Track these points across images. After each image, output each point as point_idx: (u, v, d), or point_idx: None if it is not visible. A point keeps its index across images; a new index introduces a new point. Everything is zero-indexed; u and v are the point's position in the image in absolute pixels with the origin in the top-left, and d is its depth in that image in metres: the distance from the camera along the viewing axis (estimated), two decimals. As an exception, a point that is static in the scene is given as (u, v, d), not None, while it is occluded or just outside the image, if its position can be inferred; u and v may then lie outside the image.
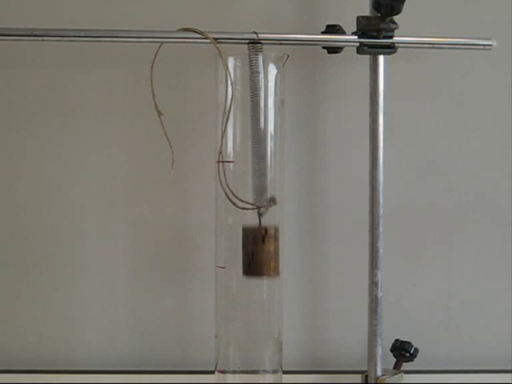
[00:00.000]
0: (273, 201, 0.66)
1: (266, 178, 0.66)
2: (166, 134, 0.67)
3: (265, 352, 0.70)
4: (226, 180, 0.65)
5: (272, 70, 0.68)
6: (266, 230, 0.65)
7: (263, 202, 0.65)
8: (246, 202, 0.64)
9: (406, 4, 0.68)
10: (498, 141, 0.83)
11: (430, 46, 0.74)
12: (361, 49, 0.72)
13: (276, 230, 0.66)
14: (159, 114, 0.67)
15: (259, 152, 0.65)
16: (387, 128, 0.74)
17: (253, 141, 0.65)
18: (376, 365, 0.74)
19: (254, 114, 0.65)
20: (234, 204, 0.64)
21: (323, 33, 0.74)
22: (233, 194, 0.64)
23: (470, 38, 0.74)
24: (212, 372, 0.71)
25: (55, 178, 0.81)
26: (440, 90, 0.82)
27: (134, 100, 0.80)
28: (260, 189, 0.66)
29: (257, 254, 0.65)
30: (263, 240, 0.65)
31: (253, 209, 0.65)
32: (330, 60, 0.78)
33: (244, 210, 0.65)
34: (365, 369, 0.75)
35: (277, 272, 0.66)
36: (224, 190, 0.65)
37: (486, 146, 0.83)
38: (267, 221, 0.66)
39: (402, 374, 0.76)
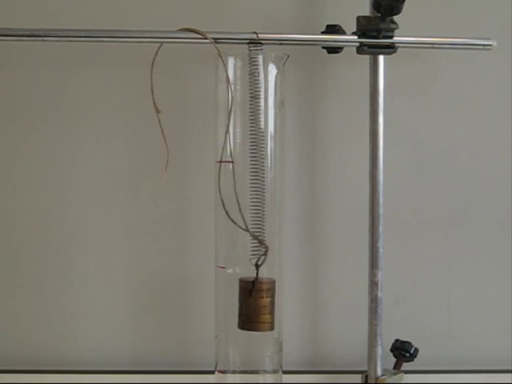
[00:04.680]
0: (265, 248, 0.65)
1: (263, 213, 0.65)
2: (162, 132, 0.67)
3: (265, 352, 0.70)
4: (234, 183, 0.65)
5: (272, 70, 0.68)
6: (253, 283, 0.64)
7: (260, 252, 0.64)
8: (237, 224, 0.64)
9: (406, 4, 0.68)
10: (498, 141, 0.83)
11: (430, 46, 0.74)
12: (361, 49, 0.72)
13: (270, 283, 0.65)
14: (157, 111, 0.67)
15: (257, 178, 0.65)
16: (387, 128, 0.74)
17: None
18: (376, 365, 0.74)
19: (253, 114, 0.65)
20: (229, 216, 0.64)
21: (323, 33, 0.74)
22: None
23: (470, 38, 0.74)
24: (212, 372, 0.70)
25: (54, 178, 0.81)
26: (440, 90, 0.82)
27: (134, 100, 0.80)
28: (257, 239, 0.65)
29: (245, 306, 0.64)
30: (250, 293, 0.64)
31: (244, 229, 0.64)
32: (330, 60, 0.78)
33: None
34: (365, 369, 0.75)
35: (269, 327, 0.65)
36: (222, 201, 0.65)
37: (486, 145, 0.83)
38: (267, 273, 0.65)
39: (402, 374, 0.76)
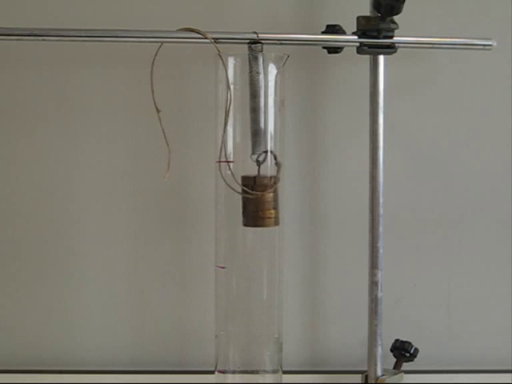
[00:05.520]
0: (273, 156, 0.65)
1: (261, 130, 0.65)
2: (163, 132, 0.67)
3: (265, 352, 0.70)
4: (231, 171, 0.65)
5: (272, 70, 0.68)
6: (254, 179, 0.64)
7: (261, 151, 0.65)
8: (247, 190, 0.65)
9: (406, 4, 0.68)
10: (498, 141, 0.83)
11: (430, 46, 0.74)
12: (361, 49, 0.72)
13: (272, 178, 0.65)
14: (157, 111, 0.67)
15: (255, 107, 0.65)
16: (387, 128, 0.74)
17: (251, 113, 0.65)
18: (376, 365, 0.74)
19: (253, 114, 0.65)
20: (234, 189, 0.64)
21: (323, 33, 0.74)
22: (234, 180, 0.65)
23: (470, 38, 0.74)
24: (212, 372, 0.71)
25: (55, 177, 0.81)
26: (440, 90, 0.82)
27: (134, 100, 0.80)
28: (257, 139, 0.65)
29: (248, 203, 0.65)
30: (252, 189, 0.64)
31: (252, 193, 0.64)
32: (330, 60, 0.78)
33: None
34: (365, 369, 0.75)
35: (273, 222, 0.65)
36: (224, 180, 0.65)
37: (486, 145, 0.83)
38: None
39: (402, 374, 0.76)
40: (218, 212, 0.69)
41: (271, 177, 0.65)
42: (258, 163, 0.65)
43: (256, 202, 0.65)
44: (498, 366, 0.82)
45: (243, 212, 0.65)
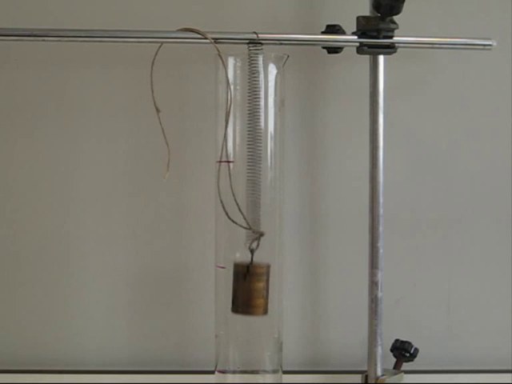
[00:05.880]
0: (261, 234, 0.65)
1: (259, 212, 0.65)
2: (163, 132, 0.67)
3: (265, 352, 0.70)
4: (231, 183, 0.65)
5: (272, 70, 0.68)
6: (247, 268, 0.64)
7: (254, 237, 0.64)
8: (237, 224, 0.64)
9: (405, 4, 0.68)
10: (498, 141, 0.83)
11: (430, 45, 0.74)
12: (361, 49, 0.72)
13: (265, 267, 0.64)
14: (157, 111, 0.67)
15: (255, 177, 0.65)
16: (387, 128, 0.74)
17: (249, 162, 0.65)
18: (376, 365, 0.74)
19: (253, 114, 0.65)
20: (229, 217, 0.64)
21: (323, 33, 0.74)
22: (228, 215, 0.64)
23: (470, 38, 0.74)
24: (212, 372, 0.70)
25: (54, 177, 0.81)
26: (440, 90, 0.82)
27: (134, 100, 0.80)
28: (252, 224, 0.65)
29: (238, 290, 0.64)
30: (244, 277, 0.64)
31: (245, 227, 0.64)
32: (330, 60, 0.78)
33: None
34: (365, 369, 0.75)
35: (262, 311, 0.64)
36: (222, 202, 0.65)
37: (486, 145, 0.83)
38: (263, 257, 0.65)
39: (402, 374, 0.76)
40: (218, 212, 0.69)
41: (265, 265, 0.65)
42: (252, 252, 0.64)
43: (247, 291, 0.64)
44: (498, 366, 0.82)
45: (233, 298, 0.65)
